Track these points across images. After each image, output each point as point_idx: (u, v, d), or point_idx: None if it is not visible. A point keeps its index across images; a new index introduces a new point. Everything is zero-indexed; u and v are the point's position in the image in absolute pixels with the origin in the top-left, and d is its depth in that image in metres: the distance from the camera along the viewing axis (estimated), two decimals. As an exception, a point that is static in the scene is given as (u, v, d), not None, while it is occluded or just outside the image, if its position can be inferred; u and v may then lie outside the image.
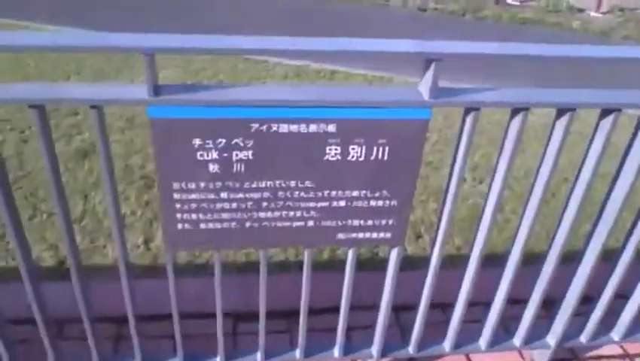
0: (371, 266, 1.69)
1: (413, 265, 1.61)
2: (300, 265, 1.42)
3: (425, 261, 1.52)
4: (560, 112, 1.29)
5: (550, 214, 1.52)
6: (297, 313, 1.95)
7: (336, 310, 2.02)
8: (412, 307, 1.64)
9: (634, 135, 1.37)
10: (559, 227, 1.51)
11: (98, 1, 8.50)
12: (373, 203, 1.31)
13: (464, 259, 1.57)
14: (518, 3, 10.20)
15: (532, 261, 1.64)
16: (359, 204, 1.31)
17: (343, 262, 1.48)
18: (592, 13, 10.07)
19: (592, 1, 10.20)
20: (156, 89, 1.09)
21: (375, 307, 1.65)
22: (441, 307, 2.11)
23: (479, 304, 1.69)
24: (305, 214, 1.30)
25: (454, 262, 1.70)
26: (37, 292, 1.38)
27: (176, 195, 1.22)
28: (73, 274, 1.36)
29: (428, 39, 1.16)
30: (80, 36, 1.03)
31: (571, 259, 1.62)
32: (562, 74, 3.59)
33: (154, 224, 3.47)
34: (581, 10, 10.13)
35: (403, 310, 1.98)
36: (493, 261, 1.63)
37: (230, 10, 8.68)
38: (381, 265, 1.53)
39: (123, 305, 1.46)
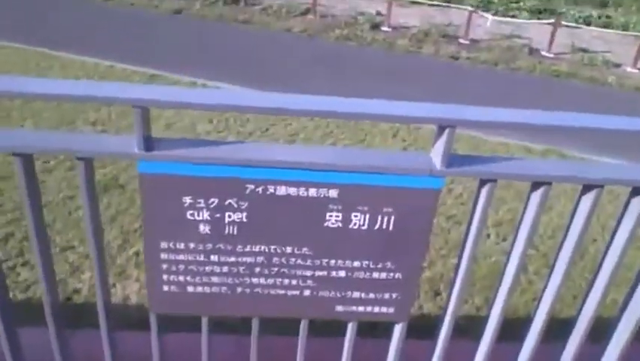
0: (376, 332, 1.56)
1: (427, 328, 1.47)
2: (298, 325, 1.32)
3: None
4: (586, 187, 1.17)
5: (576, 277, 1.37)
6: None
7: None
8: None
9: None
10: (587, 297, 1.36)
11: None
12: (375, 275, 1.20)
13: (481, 325, 1.43)
14: (552, 55, 10.10)
15: (556, 331, 1.49)
16: (360, 275, 1.20)
17: (344, 327, 1.37)
18: (629, 69, 9.89)
19: (629, 57, 10.04)
20: (148, 143, 1.02)
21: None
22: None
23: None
24: (301, 283, 1.20)
25: (469, 328, 1.55)
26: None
27: (163, 255, 1.14)
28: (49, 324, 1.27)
29: (446, 96, 1.08)
30: (68, 85, 0.97)
31: (599, 335, 1.47)
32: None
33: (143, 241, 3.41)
34: (617, 65, 9.97)
35: None
36: (513, 329, 1.49)
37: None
38: (386, 332, 1.41)
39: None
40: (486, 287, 3.43)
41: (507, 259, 1.29)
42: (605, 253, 1.28)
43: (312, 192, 1.09)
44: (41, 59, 7.09)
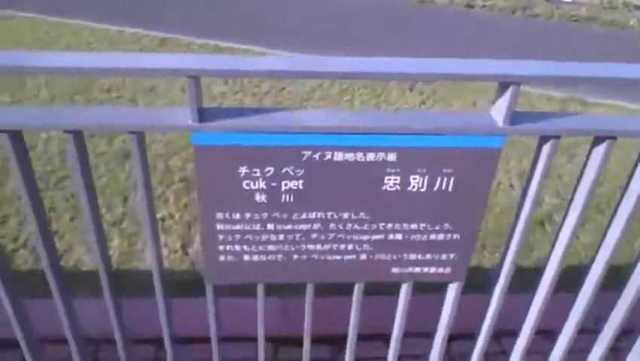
0: (427, 289, 1.56)
1: (475, 281, 1.47)
2: (347, 287, 1.31)
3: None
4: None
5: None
6: (341, 339, 1.84)
7: (384, 337, 1.90)
8: (465, 337, 1.51)
9: None
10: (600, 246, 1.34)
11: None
12: (433, 236, 1.19)
13: (524, 278, 1.42)
14: (570, 0, 9.78)
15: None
16: (418, 237, 1.18)
17: (396, 285, 1.36)
18: (650, 10, 9.56)
19: (650, -3, 9.69)
20: (201, 114, 0.99)
21: (428, 336, 1.53)
22: (498, 337, 1.96)
23: (538, 333, 1.54)
24: (357, 248, 1.19)
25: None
26: (68, 309, 1.30)
27: (219, 226, 1.12)
28: (105, 294, 1.27)
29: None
30: (116, 57, 0.94)
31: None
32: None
33: (192, 228, 3.43)
34: (639, 7, 9.64)
35: (455, 339, 1.85)
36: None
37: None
38: (438, 287, 1.41)
39: (160, 326, 1.38)
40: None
41: (564, 219, 1.27)
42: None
43: (370, 156, 1.06)
44: (50, 27, 6.99)
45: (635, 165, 1.19)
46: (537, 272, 1.41)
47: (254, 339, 1.43)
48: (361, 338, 1.53)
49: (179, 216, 3.57)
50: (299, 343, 1.82)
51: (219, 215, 1.11)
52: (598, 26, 8.74)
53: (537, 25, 8.65)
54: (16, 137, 1.00)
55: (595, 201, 3.60)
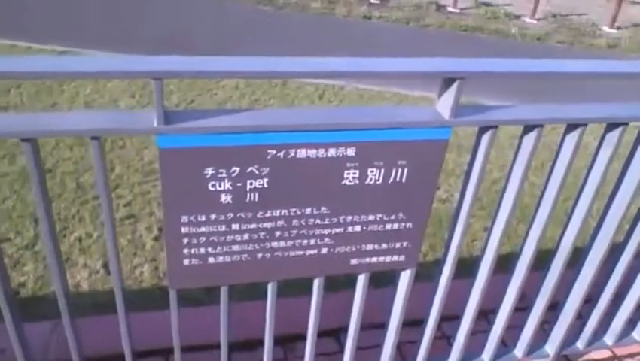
0: (380, 283, 1.63)
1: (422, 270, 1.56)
2: (302, 285, 1.34)
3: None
4: (570, 127, 1.28)
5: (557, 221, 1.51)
6: (293, 339, 1.87)
7: (331, 333, 1.95)
8: (419, 322, 1.59)
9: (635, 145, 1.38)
10: (564, 232, 1.50)
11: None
12: (388, 226, 1.26)
13: (469, 266, 1.53)
14: (458, 11, 10.48)
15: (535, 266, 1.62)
16: (375, 228, 1.25)
17: (349, 281, 1.41)
18: (528, 20, 10.48)
19: (527, 8, 10.62)
20: (166, 117, 0.99)
21: (376, 327, 1.60)
22: (446, 320, 2.08)
23: (482, 314, 1.66)
24: (319, 242, 1.23)
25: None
26: (19, 333, 1.23)
27: (184, 230, 1.12)
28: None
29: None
30: (82, 61, 0.92)
31: (572, 263, 1.62)
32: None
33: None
34: (517, 17, 10.53)
35: (410, 325, 1.94)
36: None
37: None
38: (390, 280, 1.48)
39: (104, 343, 1.34)
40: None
41: (500, 200, 1.39)
42: (583, 185, 1.41)
43: (331, 152, 1.11)
44: None
45: (558, 150, 1.34)
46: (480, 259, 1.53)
47: (209, 347, 1.42)
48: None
49: (97, 235, 3.41)
50: (250, 347, 1.82)
51: (184, 218, 1.10)
52: (485, 35, 9.45)
53: (431, 35, 9.19)
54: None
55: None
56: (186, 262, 1.16)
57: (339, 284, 1.66)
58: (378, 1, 10.44)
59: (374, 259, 1.31)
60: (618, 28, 10.55)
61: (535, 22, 10.44)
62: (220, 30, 8.20)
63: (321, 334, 1.86)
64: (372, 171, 1.16)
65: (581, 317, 1.77)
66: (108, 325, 1.41)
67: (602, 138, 1.34)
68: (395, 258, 1.32)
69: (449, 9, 10.50)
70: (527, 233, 1.47)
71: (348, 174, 1.15)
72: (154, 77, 0.94)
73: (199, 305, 2.08)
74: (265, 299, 1.33)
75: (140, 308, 2.06)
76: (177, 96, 5.67)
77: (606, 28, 10.49)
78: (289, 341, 1.82)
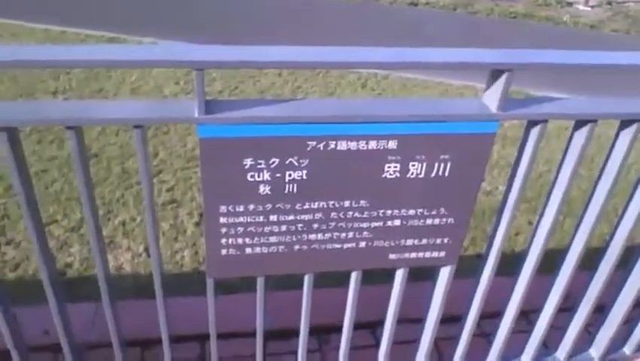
0: (418, 277, 1.60)
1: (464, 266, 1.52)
2: (339, 276, 1.33)
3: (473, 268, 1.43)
4: (625, 123, 1.21)
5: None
6: (328, 330, 1.86)
7: (368, 325, 1.93)
8: (458, 319, 1.56)
9: None
10: (615, 231, 1.43)
11: None
12: (429, 221, 1.23)
13: (511, 262, 1.48)
14: (507, -3, 10.19)
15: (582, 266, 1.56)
16: (415, 222, 1.22)
17: (387, 274, 1.39)
18: (581, 7, 10.08)
19: (580, -6, 10.22)
20: (207, 107, 0.99)
21: (413, 322, 1.57)
22: (485, 317, 2.03)
23: (523, 314, 1.61)
24: (357, 235, 1.21)
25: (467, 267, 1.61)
26: (63, 314, 1.27)
27: (223, 219, 1.12)
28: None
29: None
30: (127, 50, 0.92)
31: (620, 264, 1.55)
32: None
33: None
34: (570, 4, 10.15)
35: (448, 321, 1.90)
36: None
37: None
38: (430, 274, 1.45)
39: (143, 327, 1.36)
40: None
41: (548, 197, 1.34)
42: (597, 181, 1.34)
43: (372, 144, 1.08)
44: (-13, 28, 6.65)
45: (612, 146, 1.27)
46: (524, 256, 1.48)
47: (244, 335, 1.43)
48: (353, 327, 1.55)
49: (141, 219, 3.48)
50: (285, 336, 1.82)
51: (223, 208, 1.10)
52: (535, 22, 9.15)
53: (479, 22, 8.96)
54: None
55: (545, 188, 3.78)
56: (224, 251, 1.17)
57: (377, 277, 1.64)
58: (425, -13, 10.24)
59: (413, 255, 1.28)
60: (679, 15, 10.03)
61: (589, 9, 10.03)
62: (263, 17, 8.21)
63: (356, 326, 1.85)
64: (414, 165, 1.13)
65: (629, 321, 1.70)
66: (147, 308, 1.43)
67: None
68: (435, 254, 1.29)
69: (498, -5, 10.21)
70: (575, 231, 1.41)
71: (389, 167, 1.12)
72: (196, 68, 0.94)
73: (235, 292, 2.09)
74: (302, 289, 1.33)
75: (179, 293, 2.10)
76: (220, 83, 5.72)
77: (666, 16, 9.99)
78: (324, 332, 1.82)
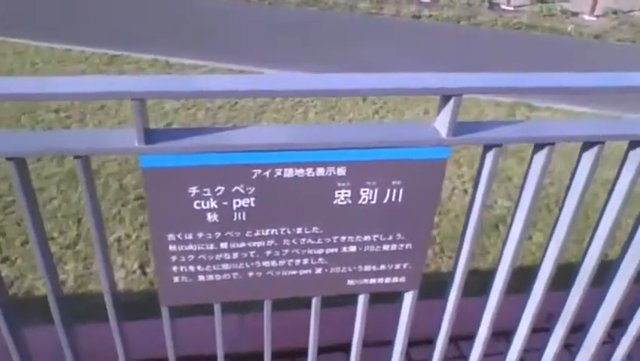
0: (384, 298, 1.58)
1: (432, 286, 1.49)
2: (306, 299, 1.32)
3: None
4: (587, 145, 1.19)
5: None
6: (302, 352, 1.84)
7: (344, 348, 1.90)
8: (425, 342, 1.53)
9: None
10: (588, 249, 1.40)
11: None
12: (386, 247, 1.21)
13: (480, 281, 1.46)
14: (512, 8, 10.15)
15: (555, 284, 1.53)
16: (371, 248, 1.20)
17: (354, 296, 1.38)
18: (587, 17, 10.02)
19: (585, 5, 10.15)
20: (148, 136, 0.98)
21: (388, 344, 1.54)
22: (455, 340, 2.00)
23: (495, 335, 1.58)
24: (312, 262, 1.20)
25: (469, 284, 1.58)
26: (17, 339, 1.26)
27: (172, 247, 1.11)
28: (56, 322, 1.23)
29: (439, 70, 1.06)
30: (58, 82, 0.92)
31: (597, 282, 1.52)
32: None
33: (150, 247, 3.36)
34: (575, 14, 10.08)
35: (415, 345, 1.87)
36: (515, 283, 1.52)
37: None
38: (393, 297, 1.43)
39: (114, 351, 1.35)
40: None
41: (511, 223, 1.31)
42: (605, 204, 1.31)
43: (320, 171, 1.07)
44: (-9, 47, 6.76)
45: (575, 167, 1.25)
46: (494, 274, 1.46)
47: (215, 358, 1.42)
48: (321, 350, 1.53)
49: (136, 236, 3.49)
50: (260, 358, 1.80)
51: (171, 236, 1.09)
52: (539, 33, 9.10)
53: (483, 34, 8.93)
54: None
55: (544, 201, 3.73)
56: (176, 279, 1.16)
57: (348, 297, 1.63)
58: (428, 0, 10.25)
59: (372, 281, 1.26)
60: (687, 24, 9.93)
61: (594, 19, 9.96)
62: (259, 34, 8.26)
63: (332, 348, 1.83)
64: (365, 191, 1.11)
65: (610, 341, 1.66)
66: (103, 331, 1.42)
67: (624, 156, 1.24)
68: (396, 279, 1.27)
69: (503, 7, 10.18)
70: (545, 250, 1.39)
71: (340, 193, 1.10)
72: (133, 98, 0.94)
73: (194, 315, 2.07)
74: (279, 310, 1.31)
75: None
76: (221, 99, 5.75)
77: (673, 25, 9.89)
78: (297, 355, 1.80)
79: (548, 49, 8.39)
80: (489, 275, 1.47)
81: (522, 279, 1.51)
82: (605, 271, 1.52)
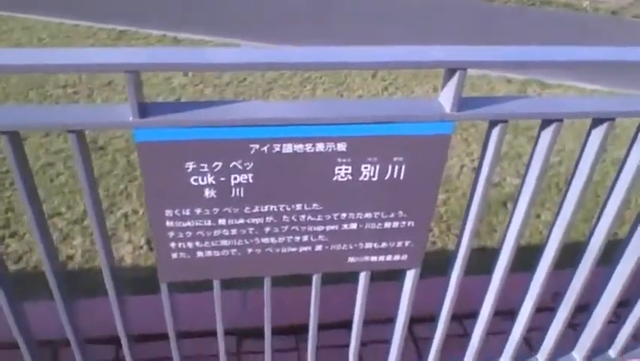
0: (385, 277, 1.57)
1: (439, 263, 1.47)
2: (307, 275, 1.31)
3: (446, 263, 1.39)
4: (596, 122, 1.15)
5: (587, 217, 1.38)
6: (305, 328, 1.84)
7: (347, 324, 1.90)
8: (429, 319, 1.52)
9: None
10: (595, 228, 1.37)
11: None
12: (387, 225, 1.18)
13: (487, 259, 1.43)
14: (526, -18, 9.91)
15: (563, 263, 1.50)
16: (372, 226, 1.18)
17: (356, 273, 1.37)
18: (603, -8, 9.77)
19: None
20: (142, 110, 0.96)
21: (390, 321, 1.53)
22: (460, 318, 1.98)
23: (501, 314, 1.57)
24: (312, 239, 1.18)
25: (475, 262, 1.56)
26: (16, 313, 1.26)
27: (169, 223, 1.09)
28: (55, 295, 1.23)
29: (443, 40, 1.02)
30: (52, 54, 0.90)
31: (604, 261, 1.49)
32: None
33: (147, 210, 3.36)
34: (592, -11, 9.84)
35: (418, 322, 1.86)
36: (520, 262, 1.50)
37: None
38: (396, 275, 1.42)
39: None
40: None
41: (516, 201, 1.28)
42: (614, 182, 1.28)
43: (320, 147, 1.04)
44: (0, 23, 6.73)
45: (584, 145, 1.21)
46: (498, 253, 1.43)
47: (215, 333, 1.42)
48: (324, 326, 1.53)
49: (142, 212, 3.49)
50: (263, 335, 1.81)
51: (168, 212, 1.08)
52: (553, 9, 8.90)
53: (496, 9, 8.76)
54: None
55: (554, 180, 3.68)
56: (174, 255, 1.14)
57: (349, 275, 1.62)
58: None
59: (374, 258, 1.24)
60: None
61: (612, -6, 9.72)
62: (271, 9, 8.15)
63: (333, 325, 1.83)
64: (366, 167, 1.08)
65: (616, 321, 1.64)
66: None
67: (635, 134, 1.20)
68: (397, 257, 1.25)
69: (517, -19, 9.94)
70: (551, 229, 1.36)
71: (340, 169, 1.08)
72: (127, 70, 0.91)
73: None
74: (281, 286, 1.30)
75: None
76: (228, 75, 5.71)
77: (693, 0, 9.62)
78: (299, 331, 1.80)
79: (563, 25, 8.21)
80: (495, 253, 1.45)
81: (529, 258, 1.48)
82: (613, 251, 1.49)
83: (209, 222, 1.11)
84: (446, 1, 9.06)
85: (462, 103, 1.05)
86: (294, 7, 8.19)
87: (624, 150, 1.25)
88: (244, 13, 7.83)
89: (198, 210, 1.09)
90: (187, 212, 1.08)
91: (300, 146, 1.03)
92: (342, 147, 1.05)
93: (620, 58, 1.06)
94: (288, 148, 1.03)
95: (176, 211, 1.08)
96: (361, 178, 1.10)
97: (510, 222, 1.33)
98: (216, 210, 1.09)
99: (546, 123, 1.14)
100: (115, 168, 3.96)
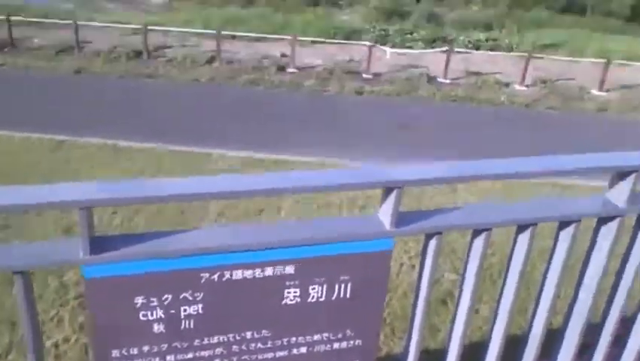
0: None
1: None
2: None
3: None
4: (521, 227, 1.25)
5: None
6: None
7: None
8: None
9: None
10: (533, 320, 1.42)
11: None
12: (336, 345, 1.19)
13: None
14: (449, 81, 10.72)
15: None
16: (321, 348, 1.19)
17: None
18: (517, 87, 10.69)
19: (517, 75, 10.84)
20: (93, 245, 0.96)
21: None
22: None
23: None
24: (263, 366, 1.17)
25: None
26: None
27: (116, 364, 1.06)
28: None
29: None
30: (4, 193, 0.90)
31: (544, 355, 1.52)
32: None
33: (90, 351, 3.14)
34: (507, 85, 10.74)
35: None
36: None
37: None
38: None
39: None
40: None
41: (458, 300, 1.33)
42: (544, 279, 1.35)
43: (269, 271, 1.07)
44: None
45: (512, 250, 1.29)
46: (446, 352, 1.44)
47: None
48: None
49: (75, 339, 3.24)
50: None
51: (115, 353, 1.05)
52: (474, 105, 9.62)
53: (423, 107, 9.35)
54: None
55: (487, 272, 3.74)
56: (120, 397, 1.10)
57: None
58: (370, 76, 10.70)
59: (326, 378, 1.24)
60: (607, 90, 10.72)
61: (525, 88, 10.64)
62: (209, 111, 8.32)
63: None
64: (314, 288, 1.11)
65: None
66: None
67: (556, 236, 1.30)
68: (349, 376, 1.25)
69: (440, 80, 10.73)
70: (492, 325, 1.40)
71: (289, 292, 1.10)
72: (80, 207, 0.92)
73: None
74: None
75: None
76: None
77: (595, 92, 10.66)
78: None
79: (483, 117, 8.86)
80: (441, 355, 1.46)
81: (475, 354, 1.51)
82: (551, 342, 1.54)
83: (157, 360, 1.08)
84: (375, 100, 9.60)
85: (400, 218, 1.11)
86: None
87: (550, 240, 1.33)
88: (180, 119, 7.95)
89: (146, 348, 1.06)
90: (135, 351, 1.06)
91: (250, 271, 1.06)
92: (290, 269, 1.08)
93: (542, 168, 1.17)
94: (238, 274, 1.05)
95: (124, 351, 1.05)
96: (309, 300, 1.12)
97: (453, 322, 1.36)
98: (165, 345, 1.07)
99: (477, 232, 1.22)
100: (45, 292, 3.69)
